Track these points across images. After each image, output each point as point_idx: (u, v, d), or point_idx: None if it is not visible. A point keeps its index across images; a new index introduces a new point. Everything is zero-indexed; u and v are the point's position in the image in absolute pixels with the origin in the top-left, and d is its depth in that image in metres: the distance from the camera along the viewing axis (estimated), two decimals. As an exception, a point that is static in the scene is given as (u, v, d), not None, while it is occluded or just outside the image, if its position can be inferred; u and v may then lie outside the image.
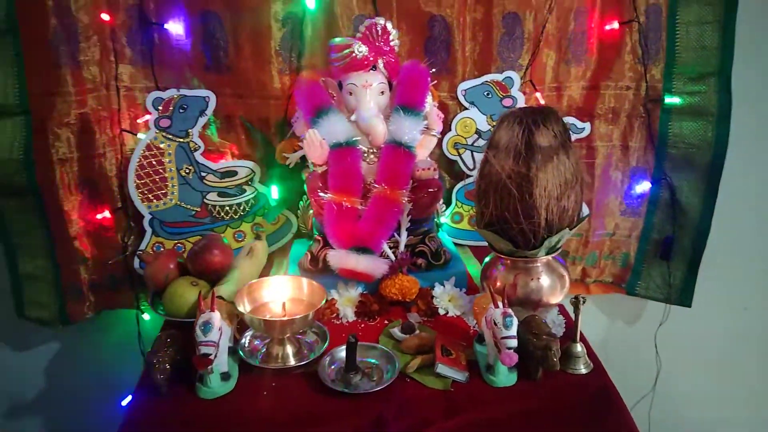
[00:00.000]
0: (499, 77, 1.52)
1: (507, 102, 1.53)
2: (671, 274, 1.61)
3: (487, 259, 1.27)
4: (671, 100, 1.50)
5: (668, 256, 1.60)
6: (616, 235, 1.65)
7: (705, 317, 1.71)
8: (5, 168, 1.36)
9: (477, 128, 1.55)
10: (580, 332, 1.16)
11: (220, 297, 1.18)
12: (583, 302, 1.13)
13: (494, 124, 1.19)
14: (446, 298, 1.31)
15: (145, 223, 1.49)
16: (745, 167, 1.57)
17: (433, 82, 1.45)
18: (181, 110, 1.46)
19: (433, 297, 1.32)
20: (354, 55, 1.36)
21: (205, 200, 1.51)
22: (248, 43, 1.47)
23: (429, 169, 1.38)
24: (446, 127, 1.54)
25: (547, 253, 1.18)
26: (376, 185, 1.33)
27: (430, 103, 1.42)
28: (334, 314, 1.29)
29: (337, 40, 1.39)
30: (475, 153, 1.55)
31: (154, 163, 1.47)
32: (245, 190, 1.53)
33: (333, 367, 1.11)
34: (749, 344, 1.82)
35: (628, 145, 1.57)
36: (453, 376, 1.08)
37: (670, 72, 1.50)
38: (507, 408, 1.04)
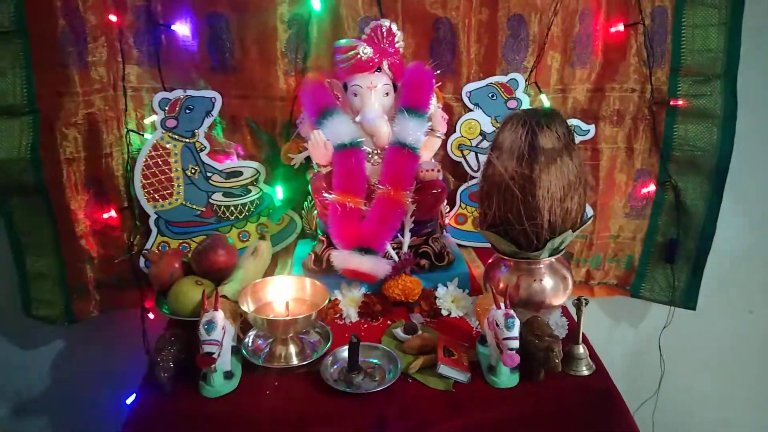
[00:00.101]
0: (503, 79, 1.52)
1: (512, 104, 1.53)
2: (675, 276, 1.61)
3: (490, 261, 1.27)
4: (676, 102, 1.50)
5: (673, 259, 1.60)
6: (620, 238, 1.65)
7: (709, 320, 1.71)
8: (13, 167, 1.37)
9: (481, 130, 1.55)
10: (583, 334, 1.16)
11: (224, 296, 1.19)
12: (586, 304, 1.14)
13: (499, 125, 1.19)
14: (449, 299, 1.32)
15: (151, 222, 1.50)
16: (750, 170, 1.57)
17: (438, 84, 1.45)
18: (187, 111, 1.47)
19: (436, 298, 1.32)
20: (359, 56, 1.36)
21: (210, 200, 1.52)
22: (254, 45, 1.48)
23: (433, 170, 1.38)
24: (451, 129, 1.54)
25: (550, 255, 1.18)
26: (380, 186, 1.33)
27: (434, 105, 1.43)
28: (338, 314, 1.30)
29: (343, 41, 1.40)
30: (479, 154, 1.55)
31: (160, 163, 1.48)
32: (250, 191, 1.54)
33: (335, 366, 1.11)
34: (754, 347, 1.81)
35: (632, 148, 1.57)
36: (455, 377, 1.08)
37: (676, 74, 1.50)
38: (509, 409, 1.05)
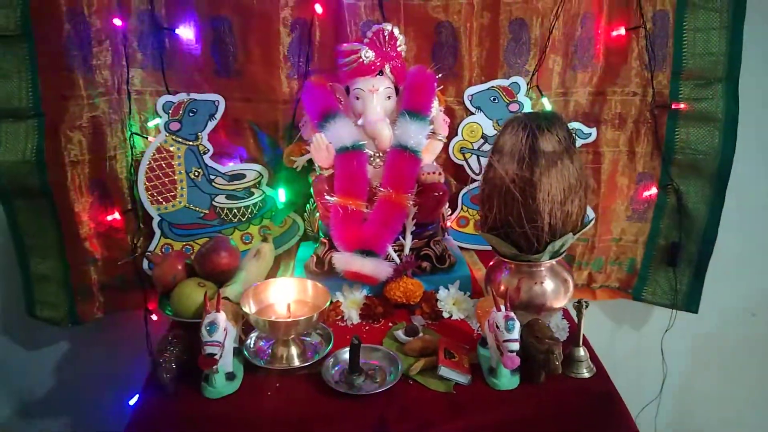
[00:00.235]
0: (505, 82, 1.53)
1: (513, 107, 1.54)
2: (678, 279, 1.61)
3: (491, 263, 1.27)
4: (678, 106, 1.50)
5: (675, 262, 1.60)
6: (622, 241, 1.65)
7: (711, 323, 1.71)
8: (19, 170, 1.38)
9: (483, 133, 1.56)
10: (584, 336, 1.16)
11: (226, 298, 1.19)
12: (586, 306, 1.14)
13: (500, 129, 1.19)
14: (450, 302, 1.32)
15: (154, 224, 1.51)
16: (752, 173, 1.57)
17: (440, 87, 1.46)
18: (190, 114, 1.48)
19: (437, 300, 1.33)
20: (361, 60, 1.37)
21: (213, 203, 1.53)
22: (257, 48, 1.49)
23: (434, 173, 1.39)
24: (453, 132, 1.55)
25: (551, 258, 1.18)
26: (382, 189, 1.34)
27: (436, 108, 1.43)
28: (339, 316, 1.30)
29: (345, 45, 1.40)
30: (481, 158, 1.56)
31: (163, 165, 1.49)
32: (253, 193, 1.54)
33: (337, 368, 1.12)
34: (756, 350, 1.81)
35: (634, 151, 1.58)
36: (455, 379, 1.08)
37: (677, 78, 1.50)
38: (509, 411, 1.05)
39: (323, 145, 1.36)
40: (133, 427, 1.04)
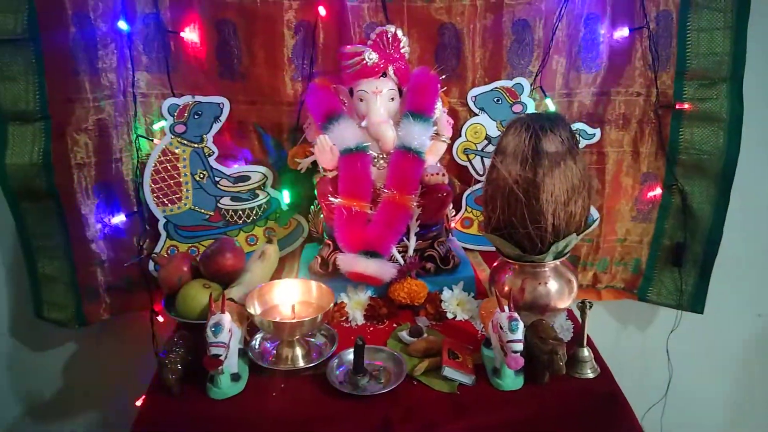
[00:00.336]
0: (509, 84, 1.53)
1: (517, 108, 1.54)
2: (683, 280, 1.61)
3: (495, 264, 1.28)
4: (682, 106, 1.50)
5: (680, 262, 1.59)
6: (627, 241, 1.65)
7: (717, 324, 1.70)
8: (26, 172, 1.39)
9: (487, 134, 1.56)
10: (588, 337, 1.16)
11: (231, 299, 1.20)
12: (590, 307, 1.14)
13: (503, 130, 1.20)
14: (454, 302, 1.32)
15: (160, 226, 1.52)
16: (757, 173, 1.57)
17: (443, 89, 1.47)
18: (195, 116, 1.49)
19: (441, 301, 1.33)
20: (365, 62, 1.38)
21: (218, 204, 1.53)
22: (261, 51, 1.49)
23: (438, 174, 1.39)
24: (456, 133, 1.55)
25: (555, 258, 1.18)
26: (386, 190, 1.35)
27: (439, 109, 1.44)
28: (344, 317, 1.31)
29: (349, 47, 1.41)
30: (485, 159, 1.56)
31: (169, 168, 1.50)
32: (258, 195, 1.55)
33: (341, 369, 1.12)
34: (762, 351, 1.80)
35: (638, 151, 1.58)
36: (459, 379, 1.09)
37: (681, 78, 1.50)
38: (513, 412, 1.05)
39: (327, 147, 1.36)
40: (138, 428, 1.04)
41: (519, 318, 1.05)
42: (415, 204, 1.34)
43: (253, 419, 1.04)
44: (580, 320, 1.16)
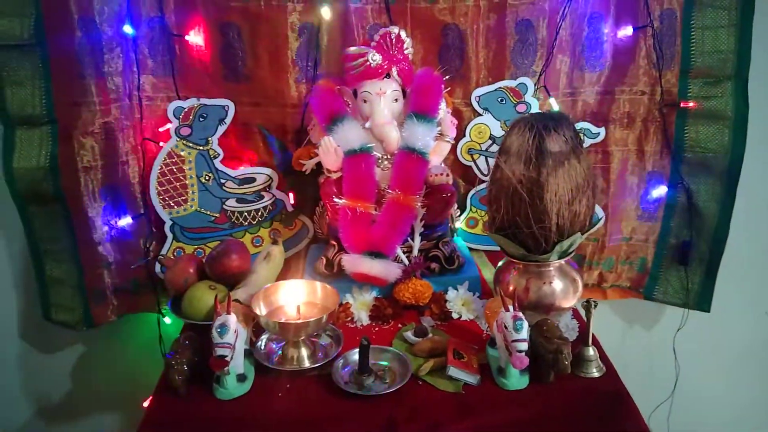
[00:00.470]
0: (512, 83, 1.53)
1: (521, 108, 1.54)
2: (689, 278, 1.60)
3: (500, 264, 1.28)
4: (687, 104, 1.50)
5: (686, 261, 1.59)
6: (632, 240, 1.65)
7: (724, 322, 1.69)
8: (33, 176, 1.40)
9: (491, 134, 1.56)
10: (594, 336, 1.16)
11: (237, 300, 1.21)
12: (595, 306, 1.14)
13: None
14: (459, 302, 1.33)
15: (166, 228, 1.53)
16: (763, 171, 1.56)
17: (447, 89, 1.47)
18: (201, 119, 1.50)
19: (446, 301, 1.33)
20: (368, 63, 1.39)
21: (224, 206, 1.54)
22: (266, 53, 1.50)
23: (442, 174, 1.39)
24: (460, 133, 1.55)
25: (559, 258, 1.18)
26: (390, 191, 1.35)
27: (443, 110, 1.44)
28: (349, 318, 1.31)
29: (352, 49, 1.42)
30: (489, 158, 1.56)
31: (174, 170, 1.51)
32: (263, 196, 1.56)
33: (346, 369, 1.13)
34: (770, 350, 1.80)
35: (643, 150, 1.57)
36: (464, 379, 1.09)
37: (686, 76, 1.49)
38: (518, 411, 1.05)
39: (331, 148, 1.37)
40: (145, 428, 1.05)
41: (523, 317, 1.05)
42: (419, 204, 1.35)
43: (259, 419, 1.05)
44: (585, 319, 1.16)
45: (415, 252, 1.37)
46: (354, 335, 1.23)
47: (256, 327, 1.19)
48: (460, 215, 1.60)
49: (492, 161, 1.54)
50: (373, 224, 1.34)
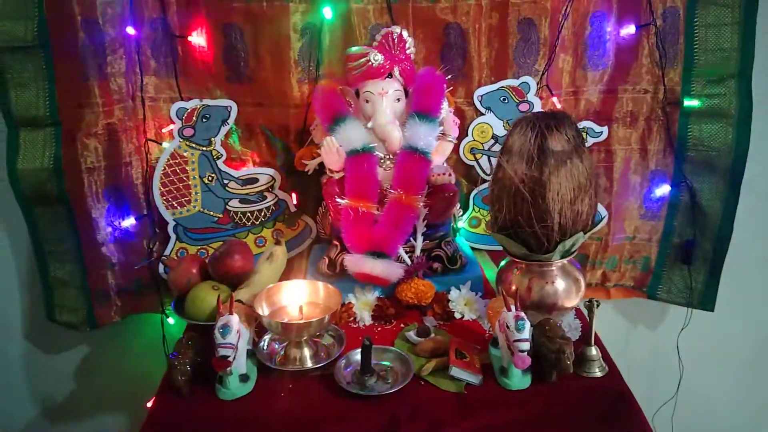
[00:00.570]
0: (515, 83, 1.53)
1: (523, 107, 1.53)
2: (693, 277, 1.60)
3: (502, 263, 1.28)
4: (690, 102, 1.49)
5: (689, 260, 1.58)
6: (636, 239, 1.64)
7: (728, 321, 1.69)
8: (37, 177, 1.41)
9: (494, 133, 1.56)
10: (596, 336, 1.16)
11: (240, 300, 1.21)
12: (597, 306, 1.14)
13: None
14: (462, 302, 1.33)
15: (170, 229, 1.53)
16: (766, 169, 1.55)
17: (449, 89, 1.47)
18: (203, 120, 1.50)
19: (449, 301, 1.33)
20: (370, 63, 1.39)
21: (227, 207, 1.54)
22: (268, 54, 1.50)
23: (444, 174, 1.39)
24: (463, 133, 1.55)
25: (562, 257, 1.18)
26: (392, 191, 1.35)
27: (446, 109, 1.44)
28: (352, 318, 1.31)
29: (354, 49, 1.42)
30: (491, 158, 1.56)
31: (178, 171, 1.51)
32: (266, 197, 1.56)
33: (349, 369, 1.13)
34: (774, 349, 1.79)
35: (647, 149, 1.57)
36: (467, 379, 1.09)
37: (689, 74, 1.48)
38: (520, 411, 1.05)
39: (334, 148, 1.37)
40: (148, 429, 1.06)
41: (525, 317, 1.05)
42: (421, 204, 1.35)
43: (261, 420, 1.05)
44: (588, 319, 1.16)
45: (418, 252, 1.38)
46: (356, 335, 1.23)
47: (258, 327, 1.19)
48: (462, 215, 1.60)
49: (495, 161, 1.54)
50: (375, 224, 1.34)
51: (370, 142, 1.38)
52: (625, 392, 1.09)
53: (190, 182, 1.52)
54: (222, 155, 1.52)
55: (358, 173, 1.36)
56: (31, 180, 1.41)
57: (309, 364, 1.15)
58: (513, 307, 1.07)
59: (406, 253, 1.36)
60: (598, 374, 1.12)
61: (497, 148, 1.55)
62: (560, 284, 1.19)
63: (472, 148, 1.57)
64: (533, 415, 1.05)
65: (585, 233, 1.17)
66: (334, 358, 1.15)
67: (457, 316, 1.31)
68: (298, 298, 1.23)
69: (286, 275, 1.46)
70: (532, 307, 1.19)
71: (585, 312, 1.17)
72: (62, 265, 1.49)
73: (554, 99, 1.54)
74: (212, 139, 1.51)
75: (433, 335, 1.22)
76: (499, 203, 1.18)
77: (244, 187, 1.55)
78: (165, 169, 1.51)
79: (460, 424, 1.03)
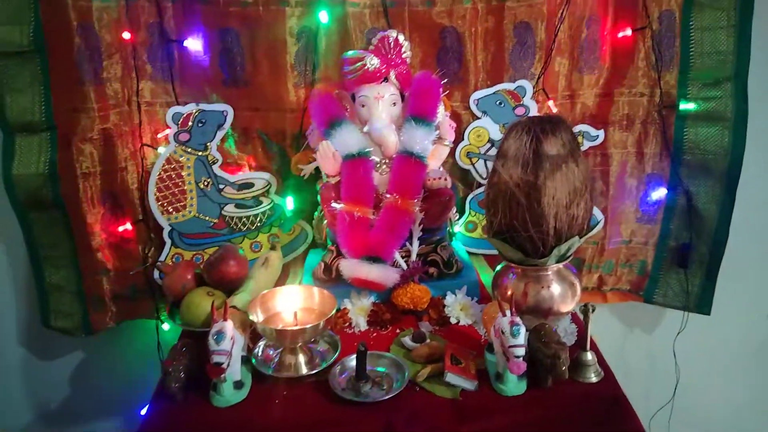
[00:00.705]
0: (511, 86, 1.53)
1: (519, 111, 1.53)
2: (689, 281, 1.59)
3: (498, 268, 1.27)
4: (686, 106, 1.49)
5: (686, 264, 1.58)
6: (632, 243, 1.64)
7: (725, 325, 1.68)
8: (32, 182, 1.41)
9: (490, 137, 1.55)
10: (592, 341, 1.16)
11: (234, 307, 1.20)
12: (593, 310, 1.13)
13: (506, 133, 1.20)
14: (458, 307, 1.32)
15: (165, 234, 1.53)
16: (763, 172, 1.55)
17: (445, 92, 1.46)
18: (199, 124, 1.50)
19: (444, 306, 1.33)
20: (366, 67, 1.39)
21: (222, 212, 1.54)
22: (264, 58, 1.50)
23: (440, 178, 1.39)
24: (459, 137, 1.55)
25: (557, 261, 1.18)
26: (388, 195, 1.35)
27: (442, 113, 1.44)
28: (347, 323, 1.31)
29: (350, 53, 1.42)
30: (488, 162, 1.56)
31: (173, 176, 1.51)
32: (262, 202, 1.56)
33: (344, 375, 1.12)
34: (771, 353, 1.79)
35: (643, 152, 1.57)
36: (462, 385, 1.08)
37: (685, 78, 1.49)
38: (516, 417, 1.05)
39: (330, 153, 1.37)
40: (142, 435, 1.05)
41: (521, 323, 1.05)
42: (417, 209, 1.34)
43: (256, 427, 1.05)
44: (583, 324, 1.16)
45: (414, 256, 1.37)
46: (352, 341, 1.22)
47: (253, 333, 1.19)
48: (458, 219, 1.60)
49: (491, 164, 1.54)
50: (371, 229, 1.34)
51: (366, 146, 1.38)
52: (621, 397, 1.09)
53: (185, 187, 1.52)
54: (218, 160, 1.52)
55: (354, 178, 1.36)
56: (27, 185, 1.41)
57: (304, 370, 1.14)
58: (508, 313, 1.07)
59: (402, 257, 1.36)
60: (594, 379, 1.12)
61: (493, 151, 1.54)
62: (556, 289, 1.19)
63: (468, 152, 1.57)
64: (529, 421, 1.04)
65: (580, 237, 1.17)
66: (329, 365, 1.14)
67: (453, 321, 1.31)
68: (293, 303, 1.22)
69: (281, 280, 1.45)
70: (528, 311, 1.18)
71: (581, 316, 1.17)
72: (57, 270, 1.49)
73: (550, 102, 1.53)
74: (208, 143, 1.51)
75: (428, 341, 1.21)
76: (495, 208, 1.18)
77: (239, 192, 1.54)
78: (160, 174, 1.50)
79: (455, 431, 1.02)
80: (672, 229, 1.59)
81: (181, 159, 1.51)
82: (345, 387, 1.09)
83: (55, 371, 1.70)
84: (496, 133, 1.55)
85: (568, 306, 1.21)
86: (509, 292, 1.20)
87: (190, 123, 1.50)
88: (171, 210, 1.52)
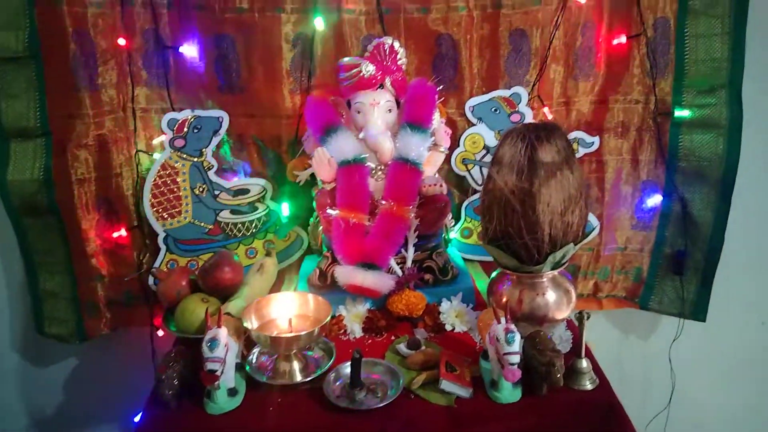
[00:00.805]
0: (506, 93, 1.53)
1: (515, 117, 1.53)
2: (684, 288, 1.59)
3: (493, 275, 1.27)
4: (681, 113, 1.49)
5: (681, 270, 1.58)
6: (627, 250, 1.64)
7: (720, 332, 1.69)
8: (27, 188, 1.40)
9: (485, 144, 1.56)
10: (587, 348, 1.15)
11: (229, 313, 1.20)
12: (587, 318, 1.13)
13: (501, 140, 1.20)
14: (453, 314, 1.32)
15: (160, 240, 1.52)
16: (757, 179, 1.56)
17: (441, 99, 1.47)
18: (195, 130, 1.50)
19: (439, 313, 1.32)
20: (362, 74, 1.39)
21: (218, 218, 1.54)
22: (260, 64, 1.50)
23: (436, 185, 1.39)
24: (454, 143, 1.55)
25: (553, 269, 1.18)
26: (384, 202, 1.35)
27: (437, 120, 1.44)
28: (342, 330, 1.31)
29: (346, 59, 1.42)
30: (483, 168, 1.56)
31: (168, 182, 1.51)
32: (257, 208, 1.56)
33: (338, 383, 1.12)
34: (767, 359, 1.78)
35: (638, 159, 1.57)
36: (457, 392, 1.08)
37: (680, 85, 1.49)
38: (511, 424, 1.05)
39: (325, 159, 1.37)
40: (135, 443, 1.05)
41: (516, 330, 1.05)
42: (413, 215, 1.34)
43: (249, 434, 1.04)
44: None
45: (409, 263, 1.37)
46: (347, 348, 1.22)
47: (248, 340, 1.18)
48: (454, 225, 1.60)
49: (486, 171, 1.54)
50: (366, 235, 1.34)
51: (361, 152, 1.38)
52: (616, 405, 1.09)
53: (180, 193, 1.52)
54: (213, 166, 1.52)
55: (349, 184, 1.36)
56: (22, 191, 1.40)
57: (298, 377, 1.14)
58: (503, 320, 1.06)
59: (398, 264, 1.36)
60: (589, 387, 1.11)
61: (489, 158, 1.54)
62: (551, 296, 1.19)
63: (463, 159, 1.57)
64: (524, 429, 1.04)
65: (575, 245, 1.17)
66: (323, 372, 1.14)
67: (448, 328, 1.31)
68: (288, 310, 1.22)
69: (276, 287, 1.45)
70: (523, 319, 1.18)
71: (576, 324, 1.17)
72: (52, 276, 1.49)
73: (545, 109, 1.54)
74: (203, 149, 1.51)
75: (423, 348, 1.21)
76: (490, 214, 1.18)
77: (235, 198, 1.54)
78: (156, 180, 1.50)
79: (450, 438, 1.02)
80: (667, 235, 1.59)
81: (176, 165, 1.51)
82: (339, 394, 1.09)
83: (50, 377, 1.69)
84: (492, 140, 1.55)
85: (563, 313, 1.21)
86: (504, 299, 1.21)
87: (185, 129, 1.50)
88: (166, 216, 1.51)
